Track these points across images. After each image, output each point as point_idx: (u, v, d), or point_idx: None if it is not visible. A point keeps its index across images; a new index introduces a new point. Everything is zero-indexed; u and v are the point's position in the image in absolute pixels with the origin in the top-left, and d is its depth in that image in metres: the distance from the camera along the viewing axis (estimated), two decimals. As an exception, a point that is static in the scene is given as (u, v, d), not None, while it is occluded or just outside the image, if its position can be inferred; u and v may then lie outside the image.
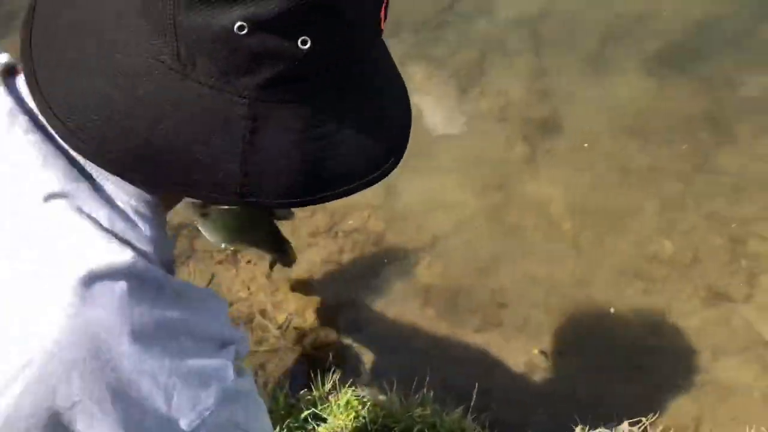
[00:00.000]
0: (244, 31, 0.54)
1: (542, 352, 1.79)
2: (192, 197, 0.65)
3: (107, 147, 0.58)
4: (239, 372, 0.67)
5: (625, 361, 1.82)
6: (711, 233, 2.07)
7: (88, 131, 0.58)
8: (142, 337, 0.58)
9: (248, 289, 1.94)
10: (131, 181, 0.62)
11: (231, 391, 0.65)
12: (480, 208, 2.14)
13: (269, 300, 1.92)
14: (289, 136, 0.60)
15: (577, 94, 2.44)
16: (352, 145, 0.64)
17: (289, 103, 0.59)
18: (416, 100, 2.41)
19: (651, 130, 2.32)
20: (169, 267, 0.67)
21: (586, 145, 2.30)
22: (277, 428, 1.48)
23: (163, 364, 0.60)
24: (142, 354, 0.58)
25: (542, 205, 2.17)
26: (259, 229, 1.42)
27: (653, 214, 2.13)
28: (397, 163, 0.67)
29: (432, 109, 2.45)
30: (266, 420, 0.77)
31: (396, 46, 2.31)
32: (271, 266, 1.79)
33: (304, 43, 0.56)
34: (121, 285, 0.58)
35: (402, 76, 0.74)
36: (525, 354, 1.84)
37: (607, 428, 1.53)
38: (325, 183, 0.63)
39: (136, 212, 0.62)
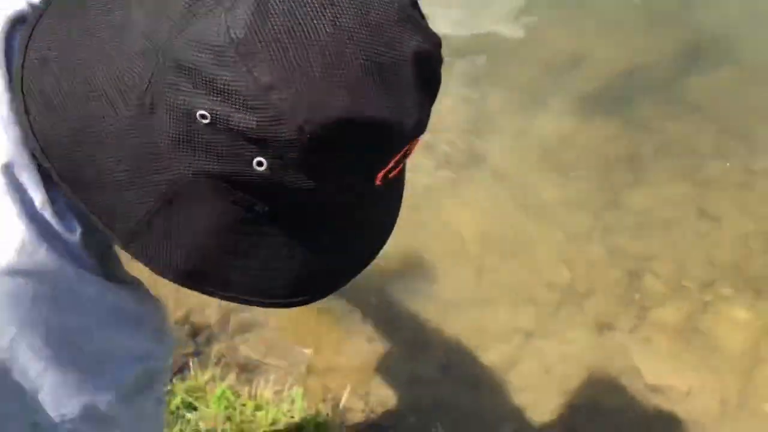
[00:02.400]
0: (206, 122, 0.51)
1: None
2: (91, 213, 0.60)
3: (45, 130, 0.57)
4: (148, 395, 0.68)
5: (501, 379, 1.88)
6: (610, 266, 2.15)
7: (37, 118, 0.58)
8: (26, 335, 0.58)
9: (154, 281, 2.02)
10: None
11: (101, 413, 0.63)
12: (397, 228, 2.22)
13: (172, 295, 1.99)
14: (205, 226, 0.57)
15: (506, 126, 2.54)
16: (264, 266, 0.60)
17: (224, 200, 0.56)
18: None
19: (569, 166, 2.42)
20: (105, 256, 0.64)
21: (506, 174, 2.39)
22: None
23: (39, 365, 0.59)
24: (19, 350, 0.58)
25: (454, 228, 2.25)
26: None
27: (558, 244, 2.21)
28: (302, 304, 0.64)
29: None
30: None
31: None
32: None
33: (259, 164, 0.53)
34: (21, 283, 0.56)
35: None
36: (410, 362, 1.90)
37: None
38: (211, 279, 0.60)
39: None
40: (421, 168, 2.38)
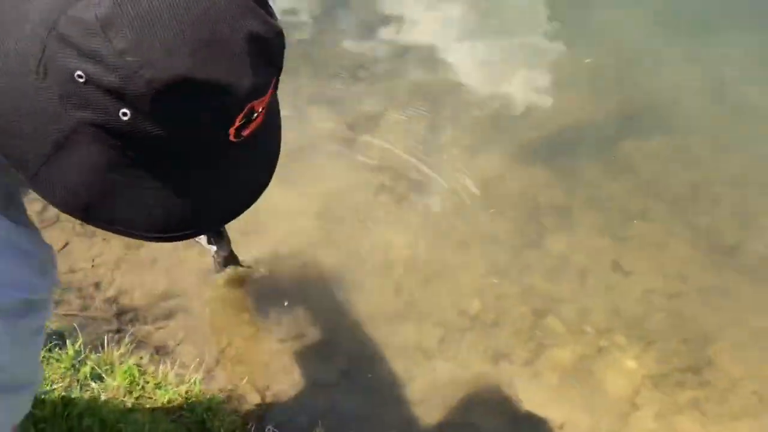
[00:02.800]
0: (82, 81, 0.66)
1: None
2: (5, 156, 0.75)
3: None
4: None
5: (393, 391, 2.03)
6: (519, 303, 2.31)
7: None
8: None
9: (93, 261, 2.17)
10: None
11: None
12: (324, 237, 2.38)
13: (106, 276, 2.14)
14: (89, 163, 0.72)
15: (452, 163, 2.70)
16: (139, 203, 0.75)
17: (99, 144, 0.70)
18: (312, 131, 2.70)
19: (503, 206, 2.58)
20: (9, 198, 0.79)
21: (442, 206, 2.55)
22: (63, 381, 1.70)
23: None
24: None
25: (384, 248, 2.41)
26: None
27: (476, 276, 2.36)
28: (174, 240, 0.79)
29: (324, 142, 2.72)
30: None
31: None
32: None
33: (123, 114, 0.67)
34: None
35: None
36: (313, 365, 2.05)
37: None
38: (92, 215, 0.75)
39: None
40: (363, 189, 2.55)
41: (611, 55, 3.17)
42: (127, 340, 1.95)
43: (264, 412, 1.87)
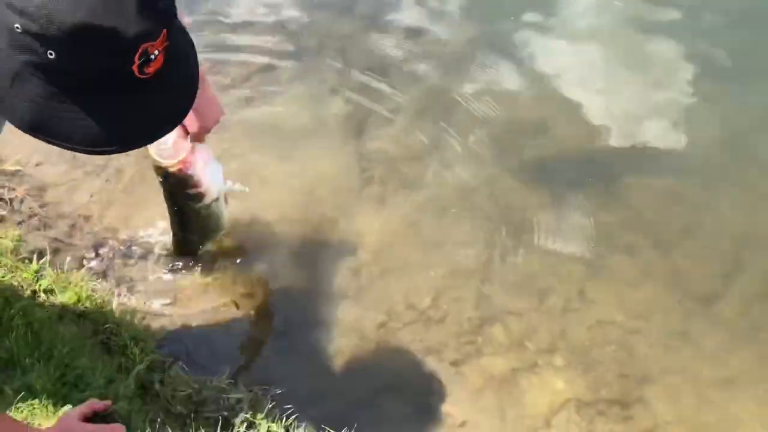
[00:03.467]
0: (19, 31, 0.95)
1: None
2: None
3: None
4: None
5: (323, 362, 2.16)
6: (471, 308, 2.37)
7: None
8: None
9: (91, 196, 2.44)
10: None
11: None
12: (301, 213, 2.54)
13: (98, 211, 2.40)
14: (36, 95, 1.01)
15: (446, 166, 2.80)
16: (73, 123, 1.03)
17: (39, 79, 1.00)
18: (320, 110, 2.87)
19: (480, 213, 2.64)
20: None
21: (423, 204, 2.65)
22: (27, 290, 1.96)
23: None
24: None
25: (357, 235, 2.53)
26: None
27: (436, 276, 2.44)
28: (104, 154, 1.10)
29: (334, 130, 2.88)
30: None
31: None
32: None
33: (50, 54, 0.96)
34: None
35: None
36: (261, 323, 2.20)
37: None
38: (40, 130, 1.04)
39: None
40: (353, 178, 2.69)
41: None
42: (93, 266, 2.19)
43: (186, 352, 2.05)
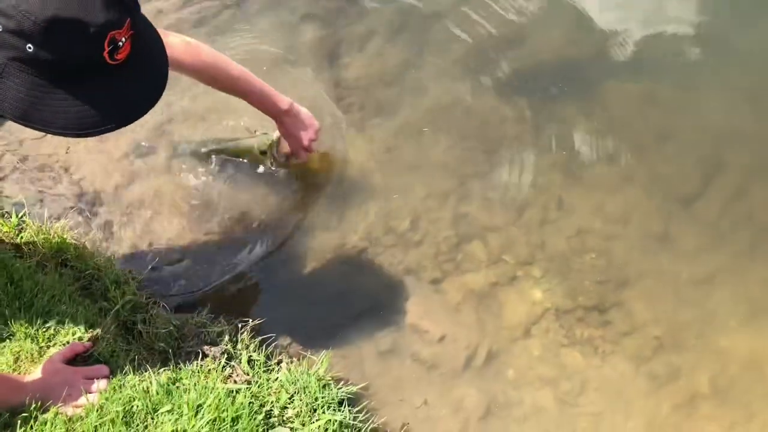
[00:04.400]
0: (0, 30, 1.09)
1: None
2: None
3: None
4: None
5: (305, 281, 2.22)
6: (449, 227, 2.40)
7: None
8: None
9: (67, 149, 2.47)
10: None
11: None
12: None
13: (76, 162, 2.44)
14: (20, 87, 1.14)
15: (424, 87, 2.77)
16: (55, 110, 1.17)
17: (22, 72, 1.13)
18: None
19: (459, 131, 2.63)
20: None
21: (403, 126, 2.64)
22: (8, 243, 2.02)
23: None
24: None
25: (341, 161, 2.53)
26: None
27: (413, 198, 2.46)
28: (91, 135, 1.22)
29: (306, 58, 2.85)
30: None
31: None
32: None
33: (29, 48, 1.10)
34: None
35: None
36: (237, 251, 2.25)
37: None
38: (31, 119, 1.18)
39: None
40: (329, 108, 2.68)
41: None
42: (74, 215, 2.24)
43: (167, 292, 2.11)
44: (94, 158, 2.46)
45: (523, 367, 2.07)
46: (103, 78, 1.20)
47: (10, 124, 2.34)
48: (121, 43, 1.17)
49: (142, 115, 1.29)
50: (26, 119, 1.18)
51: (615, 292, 2.25)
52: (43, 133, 2.27)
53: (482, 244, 2.37)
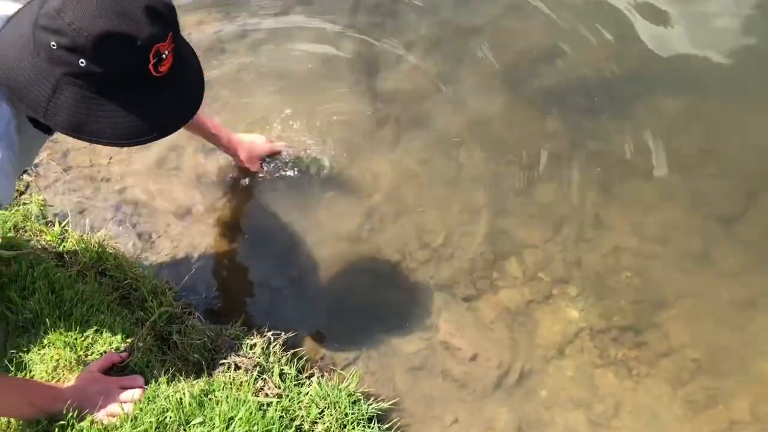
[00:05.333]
0: (55, 47, 1.18)
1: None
2: (25, 106, 1.26)
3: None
4: None
5: (333, 304, 2.22)
6: (485, 243, 2.38)
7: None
8: None
9: (110, 159, 2.52)
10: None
11: None
12: (318, 152, 2.56)
13: (118, 173, 2.49)
14: (72, 101, 1.22)
15: (460, 100, 2.77)
16: (104, 121, 1.25)
17: (74, 86, 1.21)
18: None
19: (496, 146, 2.62)
20: (3, 165, 1.31)
21: (438, 141, 2.64)
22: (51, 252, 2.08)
23: None
24: None
25: (370, 175, 2.55)
26: None
27: (448, 213, 2.45)
28: (139, 144, 1.30)
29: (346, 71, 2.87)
30: None
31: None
32: None
33: (81, 62, 1.18)
34: None
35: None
36: (276, 269, 2.27)
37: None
38: (82, 131, 1.25)
39: None
40: (365, 120, 2.69)
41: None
42: (114, 225, 2.29)
43: (202, 303, 2.14)
44: (134, 170, 2.50)
45: (555, 388, 2.04)
46: (148, 90, 1.27)
47: (56, 135, 2.43)
48: (164, 56, 1.24)
49: (183, 125, 1.38)
50: (77, 131, 1.25)
51: (652, 313, 2.21)
52: (88, 144, 2.34)
53: (517, 260, 2.35)
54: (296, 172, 2.47)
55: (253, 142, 2.37)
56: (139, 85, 1.25)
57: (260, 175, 2.43)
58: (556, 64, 2.86)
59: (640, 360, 2.12)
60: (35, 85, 1.22)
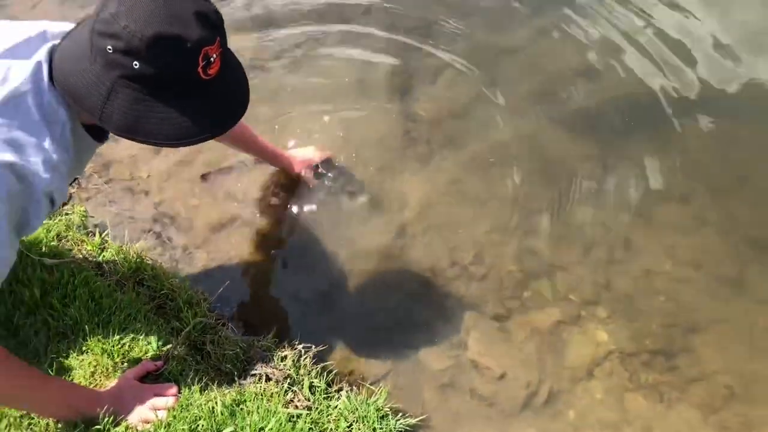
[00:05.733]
0: (111, 51, 1.25)
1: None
2: (83, 110, 1.33)
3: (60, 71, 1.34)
4: None
5: (362, 320, 2.25)
6: (514, 263, 2.39)
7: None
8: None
9: (149, 173, 2.59)
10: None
11: None
12: (349, 168, 2.60)
13: (156, 186, 2.55)
14: (126, 103, 1.29)
15: (495, 121, 2.79)
16: (157, 122, 1.31)
17: (129, 88, 1.27)
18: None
19: (525, 169, 2.63)
20: (57, 166, 1.37)
21: (470, 160, 2.66)
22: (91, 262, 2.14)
23: None
24: None
25: (404, 193, 2.58)
26: None
27: (478, 232, 2.47)
28: (189, 144, 1.35)
29: (379, 91, 2.92)
30: None
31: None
32: None
33: (135, 65, 1.24)
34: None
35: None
36: (306, 283, 2.31)
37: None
38: (136, 132, 1.31)
39: (46, 124, 1.36)
40: (397, 139, 2.73)
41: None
42: (152, 237, 2.35)
43: (236, 314, 2.18)
44: (172, 183, 2.57)
45: (584, 410, 2.04)
46: (198, 92, 1.32)
47: (99, 148, 2.50)
48: (212, 59, 1.29)
49: (231, 127, 1.42)
50: (131, 132, 1.31)
51: (683, 337, 2.20)
52: (128, 157, 2.41)
53: (548, 281, 2.36)
54: (344, 180, 2.53)
55: (303, 153, 2.49)
56: (190, 88, 1.31)
57: (313, 183, 2.50)
58: (589, 85, 2.87)
59: (671, 384, 2.10)
60: (93, 89, 1.29)
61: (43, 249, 2.06)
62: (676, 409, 2.05)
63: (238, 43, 2.96)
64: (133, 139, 1.33)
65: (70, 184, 1.73)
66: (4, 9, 3.19)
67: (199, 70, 1.29)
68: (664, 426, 2.01)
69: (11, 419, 1.68)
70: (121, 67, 1.26)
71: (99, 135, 1.52)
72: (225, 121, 1.40)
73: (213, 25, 1.30)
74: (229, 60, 1.38)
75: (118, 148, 2.67)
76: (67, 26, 1.43)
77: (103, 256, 2.17)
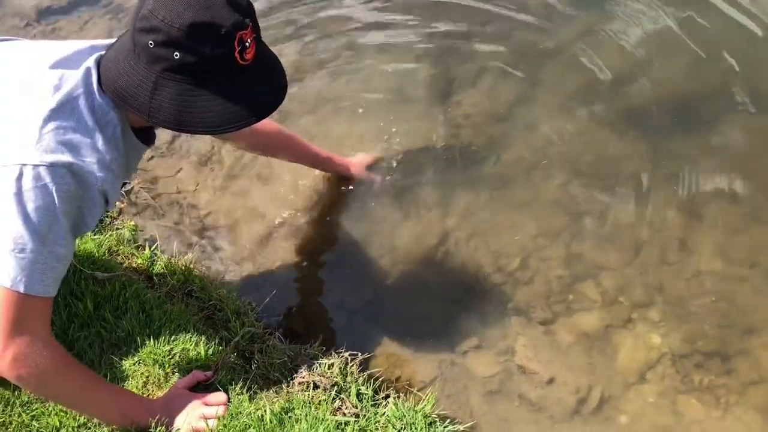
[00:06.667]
0: (152, 46, 1.31)
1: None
2: (131, 108, 1.40)
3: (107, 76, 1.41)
4: None
5: (407, 327, 2.25)
6: (561, 266, 2.36)
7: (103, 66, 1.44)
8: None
9: (196, 186, 2.65)
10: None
11: None
12: (391, 178, 2.61)
13: (203, 199, 2.61)
14: (171, 94, 1.34)
15: (532, 123, 2.77)
16: (202, 111, 1.35)
17: (172, 80, 1.33)
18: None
19: (570, 170, 2.60)
20: (110, 165, 1.44)
21: (512, 165, 2.64)
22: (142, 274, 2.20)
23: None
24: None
25: (451, 197, 2.57)
26: None
27: (525, 236, 2.45)
28: (228, 131, 1.40)
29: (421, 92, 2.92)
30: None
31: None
32: None
33: (176, 55, 1.30)
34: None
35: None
36: (351, 292, 2.32)
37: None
38: (182, 123, 1.37)
39: (98, 126, 1.43)
40: (439, 144, 2.72)
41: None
42: (200, 249, 2.40)
43: (283, 323, 2.21)
44: (218, 196, 2.62)
45: (636, 414, 1.99)
46: (238, 77, 1.36)
47: (145, 164, 2.56)
48: (248, 44, 1.33)
49: (274, 111, 1.45)
50: (179, 124, 1.36)
51: (739, 339, 2.13)
52: (175, 173, 2.47)
53: (595, 284, 2.32)
54: (389, 186, 2.56)
55: (358, 158, 2.56)
56: (230, 74, 1.35)
57: (377, 182, 2.55)
58: (634, 84, 2.82)
59: (727, 387, 2.04)
60: (139, 87, 1.35)
61: (96, 263, 2.12)
62: (733, 413, 1.99)
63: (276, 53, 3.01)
64: (180, 130, 1.39)
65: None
66: (58, 33, 3.31)
67: (236, 54, 1.33)
68: (721, 430, 1.95)
69: (69, 429, 1.72)
70: (164, 60, 1.31)
71: (146, 138, 1.57)
72: (269, 103, 1.44)
73: (244, 10, 1.34)
74: (263, 47, 1.43)
75: (165, 164, 2.74)
76: (112, 41, 1.49)
77: (153, 268, 2.22)
